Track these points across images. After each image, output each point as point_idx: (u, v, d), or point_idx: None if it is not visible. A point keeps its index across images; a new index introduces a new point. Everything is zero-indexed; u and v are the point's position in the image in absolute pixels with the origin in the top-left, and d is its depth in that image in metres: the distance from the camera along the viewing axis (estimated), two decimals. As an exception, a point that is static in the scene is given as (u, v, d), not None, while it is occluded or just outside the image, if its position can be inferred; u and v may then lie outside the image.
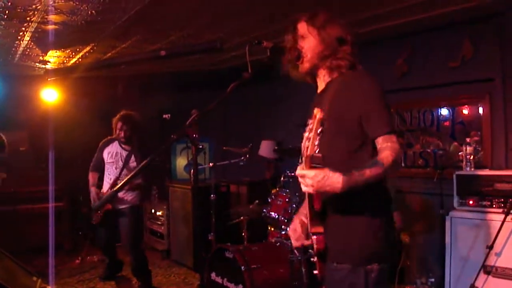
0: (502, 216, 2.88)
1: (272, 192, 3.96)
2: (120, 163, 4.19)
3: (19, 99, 5.51)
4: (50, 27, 3.44)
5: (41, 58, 4.56)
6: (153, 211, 5.90)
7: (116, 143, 4.29)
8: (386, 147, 1.55)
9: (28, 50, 4.20)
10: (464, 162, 3.45)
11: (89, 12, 3.09)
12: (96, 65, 4.85)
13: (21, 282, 3.38)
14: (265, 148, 5.04)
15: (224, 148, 4.61)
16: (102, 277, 4.59)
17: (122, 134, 4.19)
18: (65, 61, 4.79)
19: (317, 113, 1.43)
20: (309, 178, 1.45)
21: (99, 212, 4.19)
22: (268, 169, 5.25)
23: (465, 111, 3.83)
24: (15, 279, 3.34)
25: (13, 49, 4.14)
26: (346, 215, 1.65)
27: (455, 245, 3.24)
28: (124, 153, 4.23)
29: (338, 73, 1.73)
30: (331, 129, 1.57)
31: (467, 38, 3.68)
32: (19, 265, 3.55)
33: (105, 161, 4.27)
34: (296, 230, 1.80)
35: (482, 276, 2.98)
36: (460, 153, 3.60)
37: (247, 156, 4.34)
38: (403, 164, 4.13)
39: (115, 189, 4.08)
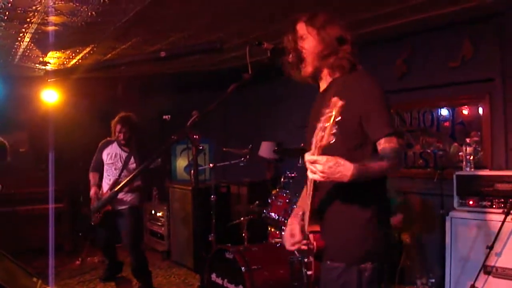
0: (502, 216, 2.88)
1: (273, 193, 3.96)
2: (119, 165, 4.19)
3: (19, 100, 5.51)
4: (50, 28, 3.44)
5: (41, 59, 4.56)
6: (153, 212, 5.90)
7: (115, 144, 4.30)
8: (387, 148, 1.56)
9: (28, 51, 4.20)
10: (464, 162, 3.45)
11: (89, 14, 3.09)
12: (96, 66, 4.86)
13: (21, 283, 3.38)
14: (265, 149, 5.04)
15: (224, 149, 4.61)
16: (102, 278, 4.59)
17: (122, 137, 4.19)
18: (65, 62, 4.79)
19: (337, 101, 1.38)
20: (320, 163, 1.41)
21: (98, 213, 4.19)
22: (268, 170, 5.25)
23: (465, 112, 3.83)
24: (15, 280, 3.34)
25: (13, 50, 4.15)
26: (342, 214, 1.66)
27: (455, 245, 3.23)
28: (124, 155, 4.23)
29: (339, 73, 1.73)
30: None
31: (467, 38, 3.68)
32: (19, 266, 3.54)
33: (104, 162, 4.27)
34: (294, 236, 1.77)
35: (482, 276, 2.98)
36: (460, 154, 3.60)
37: (247, 157, 4.35)
38: (403, 163, 4.13)
39: (115, 190, 4.07)
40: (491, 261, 2.97)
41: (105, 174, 4.28)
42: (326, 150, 1.43)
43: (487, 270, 2.98)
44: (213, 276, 3.63)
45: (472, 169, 3.39)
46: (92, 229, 4.57)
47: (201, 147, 4.61)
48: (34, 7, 2.93)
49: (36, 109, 5.57)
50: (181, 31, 3.72)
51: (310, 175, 1.47)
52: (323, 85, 1.82)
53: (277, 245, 3.63)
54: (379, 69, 3.90)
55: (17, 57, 4.43)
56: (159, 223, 5.75)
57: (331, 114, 1.37)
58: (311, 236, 1.65)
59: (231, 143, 5.30)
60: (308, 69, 1.75)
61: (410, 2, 3.13)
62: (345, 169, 1.42)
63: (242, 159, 4.36)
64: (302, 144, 3.63)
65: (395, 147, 1.55)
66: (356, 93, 1.62)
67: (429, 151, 4.05)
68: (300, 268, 1.74)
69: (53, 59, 4.60)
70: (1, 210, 5.25)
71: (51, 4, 2.88)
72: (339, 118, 1.37)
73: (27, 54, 4.32)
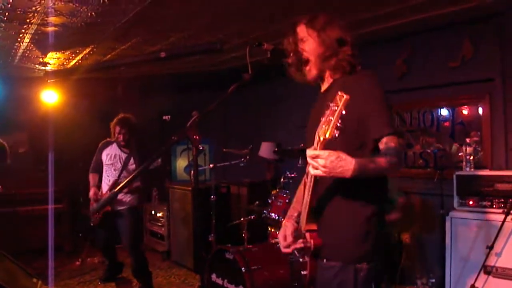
0: (502, 216, 2.88)
1: (272, 193, 3.96)
2: (119, 165, 4.19)
3: (19, 101, 5.51)
4: (50, 29, 3.44)
5: (41, 60, 4.56)
6: (153, 212, 5.90)
7: (114, 145, 4.30)
8: (387, 148, 1.56)
9: (28, 52, 4.20)
10: (464, 162, 3.45)
11: (89, 14, 3.09)
12: (96, 66, 4.86)
13: (21, 284, 3.38)
14: (265, 149, 5.04)
15: (224, 149, 4.61)
16: (102, 279, 4.58)
17: (121, 138, 4.19)
18: (65, 63, 4.79)
19: (343, 95, 1.36)
20: (322, 158, 1.40)
21: (97, 213, 4.19)
22: (268, 170, 5.25)
23: (465, 112, 3.83)
24: (16, 281, 3.34)
25: (13, 51, 4.15)
26: (341, 213, 1.66)
27: (455, 245, 3.24)
28: (123, 156, 4.23)
29: (340, 74, 1.74)
30: None
31: (467, 38, 3.68)
32: (20, 267, 3.54)
33: (104, 162, 4.27)
34: (286, 238, 1.78)
35: (483, 276, 2.98)
36: (460, 154, 3.60)
37: (247, 157, 4.35)
38: (404, 163, 4.13)
39: (114, 191, 4.08)
40: (491, 261, 2.97)
41: (104, 174, 4.28)
42: (326, 145, 1.42)
43: (487, 270, 2.98)
44: (213, 276, 3.63)
45: (472, 169, 3.39)
46: (92, 230, 4.57)
47: (201, 148, 4.61)
48: (33, 8, 2.93)
49: (36, 109, 5.57)
50: (181, 31, 3.72)
51: (311, 171, 1.46)
52: (324, 86, 1.82)
53: (277, 246, 3.59)
54: (379, 69, 3.84)
55: (17, 57, 4.43)
56: (159, 224, 5.75)
57: (336, 108, 1.36)
58: (307, 234, 1.65)
59: (231, 144, 5.30)
60: (313, 72, 1.76)
61: (410, 2, 3.14)
62: (346, 163, 1.41)
63: (242, 159, 4.36)
64: (302, 145, 3.63)
65: (395, 147, 1.56)
66: (356, 93, 1.62)
67: (429, 151, 4.05)
68: (300, 269, 1.74)
69: (53, 59, 4.60)
70: (1, 210, 5.25)
71: (51, 4, 2.88)
72: (344, 112, 1.36)
73: (27, 54, 4.32)
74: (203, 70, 5.60)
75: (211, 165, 4.57)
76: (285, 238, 1.79)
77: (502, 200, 3.07)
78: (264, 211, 3.86)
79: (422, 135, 4.11)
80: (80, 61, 4.70)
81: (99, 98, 5.88)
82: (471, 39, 3.66)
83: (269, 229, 4.01)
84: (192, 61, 5.00)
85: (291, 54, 1.76)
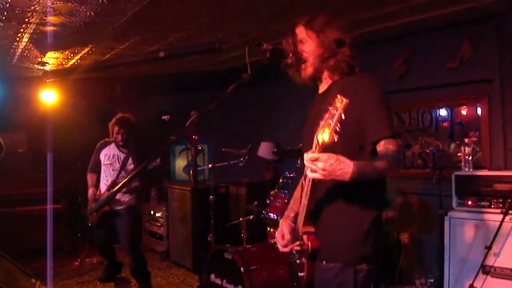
0: (501, 216, 2.89)
1: (271, 193, 3.96)
2: (117, 165, 4.19)
3: (18, 101, 5.50)
4: (49, 28, 3.43)
5: (39, 59, 4.55)
6: (152, 212, 5.90)
7: (113, 145, 4.29)
8: (386, 150, 1.56)
9: (26, 51, 4.19)
10: (462, 162, 3.46)
11: (88, 14, 3.09)
12: (95, 66, 4.85)
13: (20, 284, 3.38)
14: (264, 149, 5.04)
15: (223, 149, 4.60)
16: (101, 279, 4.58)
17: (120, 138, 4.19)
18: (63, 63, 4.78)
19: (342, 99, 1.35)
20: (322, 161, 1.39)
21: (96, 213, 4.19)
22: (267, 170, 5.25)
23: (464, 112, 3.84)
24: (14, 281, 3.34)
25: (12, 50, 4.14)
26: (340, 215, 1.66)
27: (454, 245, 3.24)
28: (122, 156, 4.23)
29: (338, 75, 1.74)
30: None
31: (466, 39, 3.68)
32: (18, 267, 3.54)
33: (102, 162, 4.27)
34: (284, 237, 1.79)
35: (481, 276, 2.99)
36: (458, 154, 3.61)
37: (246, 157, 4.34)
38: (402, 165, 4.13)
39: (113, 191, 4.08)
40: (490, 261, 2.97)
41: (102, 174, 4.27)
42: (325, 148, 1.42)
43: (485, 270, 2.99)
44: (212, 276, 3.63)
45: (471, 169, 3.40)
46: (90, 230, 4.56)
47: (200, 148, 4.61)
48: (32, 7, 2.92)
49: (34, 109, 5.56)
50: (180, 31, 3.72)
51: (309, 174, 1.45)
52: (323, 87, 1.82)
53: (276, 246, 3.61)
54: (378, 69, 3.91)
55: (16, 57, 4.42)
56: (158, 224, 5.74)
57: (336, 112, 1.36)
58: (305, 237, 1.65)
59: (230, 143, 5.30)
60: (309, 70, 1.76)
61: (410, 2, 3.14)
62: (345, 166, 1.41)
63: (241, 159, 4.35)
64: (301, 145, 3.63)
65: (394, 149, 1.56)
66: (355, 95, 1.62)
67: (428, 151, 4.06)
68: (297, 270, 1.75)
69: (52, 59, 4.59)
70: (0, 211, 5.24)
71: (50, 4, 2.87)
72: (344, 116, 1.36)
73: (25, 54, 4.31)
74: (202, 70, 5.59)
75: (210, 165, 4.57)
76: (282, 237, 1.80)
77: (501, 200, 3.08)
78: (263, 211, 3.86)
79: (421, 135, 4.12)
80: (78, 61, 4.70)
81: (97, 98, 5.87)
82: (470, 40, 3.66)
83: (268, 229, 4.01)
84: (192, 61, 4.99)
85: (290, 55, 1.76)
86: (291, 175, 3.99)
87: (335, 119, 1.36)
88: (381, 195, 1.74)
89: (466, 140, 3.53)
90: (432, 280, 3.74)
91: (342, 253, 1.64)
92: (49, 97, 5.44)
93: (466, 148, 3.45)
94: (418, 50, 4.08)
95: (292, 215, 1.87)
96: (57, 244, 5.11)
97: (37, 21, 3.22)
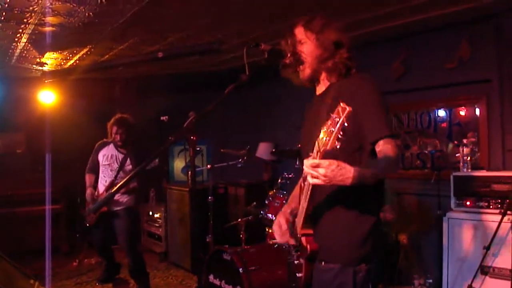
0: (499, 216, 2.89)
1: (270, 194, 3.96)
2: (116, 166, 4.19)
3: (16, 101, 5.49)
4: (47, 29, 3.43)
5: (38, 60, 4.55)
6: (150, 213, 5.89)
7: (111, 146, 4.29)
8: (385, 150, 1.57)
9: (25, 52, 4.18)
10: (461, 163, 3.46)
11: (86, 14, 3.08)
12: (94, 67, 4.85)
13: (18, 285, 3.37)
14: (263, 150, 5.03)
15: (222, 150, 4.60)
16: (99, 280, 4.57)
17: (118, 138, 4.19)
18: (62, 63, 4.78)
19: (345, 106, 1.35)
20: (323, 167, 1.39)
21: (94, 214, 4.18)
22: (266, 171, 5.24)
23: (462, 113, 3.84)
24: (13, 282, 3.33)
25: (10, 51, 4.13)
26: (340, 217, 1.67)
27: (453, 246, 3.24)
28: (120, 156, 4.22)
29: (336, 77, 1.75)
30: None
31: (464, 39, 3.69)
32: (17, 268, 3.53)
33: (100, 163, 4.26)
34: (281, 226, 1.80)
35: (480, 277, 2.99)
36: (457, 154, 3.61)
37: (245, 158, 4.34)
38: (400, 165, 4.14)
39: (111, 191, 4.08)
40: (488, 262, 2.98)
41: (101, 175, 4.27)
42: (325, 155, 1.43)
43: (484, 270, 3.00)
44: (211, 277, 3.63)
45: (469, 170, 3.40)
46: (89, 231, 4.56)
47: (198, 148, 4.60)
48: (31, 8, 2.92)
49: (33, 110, 5.55)
50: (179, 31, 3.72)
51: (311, 180, 1.45)
52: (320, 89, 1.82)
53: (275, 246, 3.62)
54: (377, 70, 3.91)
55: (14, 58, 4.41)
56: (157, 225, 5.74)
57: (339, 120, 1.35)
58: (303, 238, 1.66)
59: (230, 144, 5.29)
60: (307, 71, 1.76)
61: (410, 2, 3.14)
62: (346, 172, 1.41)
63: (240, 160, 4.35)
64: (299, 145, 3.63)
65: (393, 150, 1.56)
66: (354, 96, 1.62)
67: (426, 152, 4.06)
68: (295, 271, 1.75)
69: (50, 60, 4.59)
70: (-1, 211, 5.24)
71: (48, 4, 2.87)
72: (346, 124, 1.35)
73: (24, 55, 4.30)
74: (202, 70, 5.59)
75: (208, 166, 4.57)
76: (280, 226, 1.81)
77: (499, 200, 3.08)
78: (262, 212, 3.86)
79: (419, 136, 4.12)
80: (77, 61, 4.69)
81: (96, 99, 5.86)
82: (469, 40, 3.67)
83: (267, 230, 4.01)
84: (191, 61, 4.99)
85: (289, 55, 1.76)
86: (290, 175, 3.99)
87: (337, 127, 1.35)
88: (380, 198, 1.75)
89: (465, 141, 3.53)
90: (431, 281, 3.74)
91: (342, 254, 1.65)
92: (47, 97, 5.44)
93: (465, 149, 3.45)
94: (417, 51, 4.08)
95: (289, 210, 1.87)
96: (55, 244, 5.10)
97: (36, 21, 3.22)
